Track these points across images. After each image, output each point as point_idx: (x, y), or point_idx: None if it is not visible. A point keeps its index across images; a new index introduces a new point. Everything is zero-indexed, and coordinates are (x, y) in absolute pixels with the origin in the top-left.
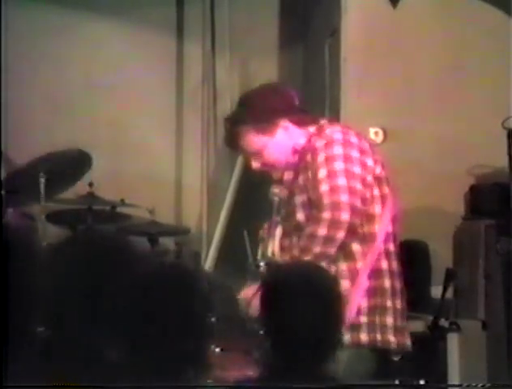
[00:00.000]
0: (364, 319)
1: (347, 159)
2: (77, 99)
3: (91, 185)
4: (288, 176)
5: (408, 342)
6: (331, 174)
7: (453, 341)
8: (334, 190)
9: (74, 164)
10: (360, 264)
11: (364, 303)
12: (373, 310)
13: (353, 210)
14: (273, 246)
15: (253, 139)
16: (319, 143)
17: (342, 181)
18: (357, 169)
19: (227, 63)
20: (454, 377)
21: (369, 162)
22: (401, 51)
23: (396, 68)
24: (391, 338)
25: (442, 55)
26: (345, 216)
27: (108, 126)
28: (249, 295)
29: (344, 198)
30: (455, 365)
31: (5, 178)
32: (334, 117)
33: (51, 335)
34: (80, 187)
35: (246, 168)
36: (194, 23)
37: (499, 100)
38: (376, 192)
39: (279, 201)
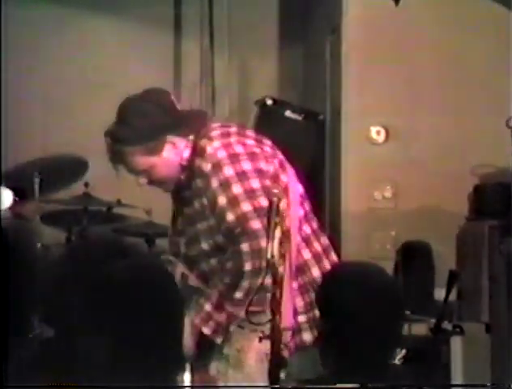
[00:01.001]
0: (302, 318)
1: (241, 178)
2: (74, 98)
3: (86, 185)
4: (180, 195)
5: None
6: (232, 200)
7: (456, 344)
8: (241, 218)
9: (69, 170)
10: (281, 268)
11: (299, 302)
12: (309, 306)
13: (267, 232)
14: (272, 248)
15: (140, 160)
16: (206, 167)
17: (246, 206)
18: (255, 184)
19: (225, 62)
20: (457, 380)
21: (262, 165)
22: (403, 49)
23: (398, 66)
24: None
25: (445, 53)
26: (264, 243)
27: (106, 125)
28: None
29: (256, 225)
30: (459, 369)
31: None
32: (334, 117)
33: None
34: (76, 187)
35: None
36: (193, 21)
37: (503, 99)
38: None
39: (278, 201)
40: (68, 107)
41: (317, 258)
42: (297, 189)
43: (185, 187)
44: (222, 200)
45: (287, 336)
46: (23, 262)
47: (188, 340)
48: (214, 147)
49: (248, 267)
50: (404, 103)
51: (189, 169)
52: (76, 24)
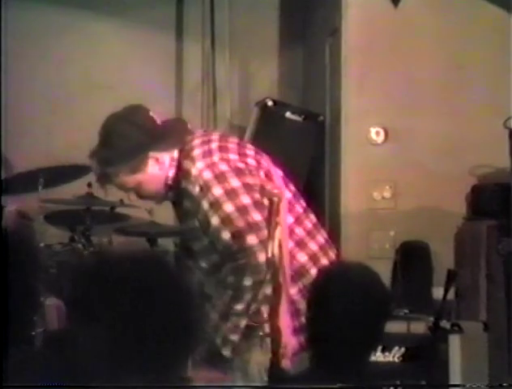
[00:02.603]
0: (302, 320)
1: (230, 196)
2: (76, 99)
3: (89, 185)
4: (175, 210)
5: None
6: (225, 219)
7: (454, 343)
8: (237, 234)
9: (71, 178)
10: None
11: (300, 305)
12: (297, 313)
13: (264, 245)
14: (272, 248)
15: (126, 179)
16: (193, 190)
17: (240, 222)
18: (246, 199)
19: (226, 63)
20: (455, 379)
21: (249, 180)
22: (402, 50)
23: (397, 67)
24: None
25: (444, 54)
26: (262, 258)
27: None
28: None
29: (253, 239)
30: (457, 367)
31: (4, 179)
32: (334, 118)
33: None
34: (79, 187)
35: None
36: (194, 22)
37: (501, 100)
38: (266, 202)
39: (278, 202)
40: (70, 108)
41: (314, 258)
42: (284, 195)
43: (176, 205)
44: (215, 220)
45: (286, 351)
46: (23, 260)
47: None
48: (198, 169)
49: (248, 282)
50: (403, 104)
51: (177, 190)
52: (78, 26)
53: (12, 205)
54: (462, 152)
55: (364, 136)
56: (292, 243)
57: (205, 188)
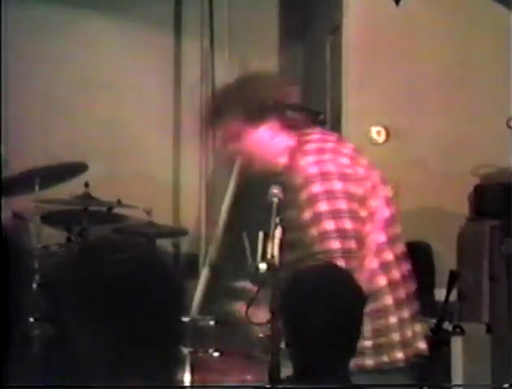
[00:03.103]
0: (368, 343)
1: (329, 196)
2: (74, 98)
3: (87, 185)
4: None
5: (422, 346)
6: (316, 217)
7: (457, 345)
8: (322, 235)
9: (69, 176)
10: None
11: (367, 327)
12: (377, 333)
13: (345, 256)
14: (272, 248)
15: (237, 123)
16: (296, 181)
17: (329, 224)
18: (342, 204)
19: (226, 61)
20: (457, 381)
21: (351, 188)
22: (403, 49)
23: (398, 66)
24: (399, 355)
25: (445, 53)
26: (340, 264)
27: (106, 125)
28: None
29: (335, 245)
30: (459, 369)
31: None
32: (334, 117)
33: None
34: (76, 187)
35: (246, 168)
36: (193, 21)
37: (503, 99)
38: (363, 213)
39: (278, 202)
40: (68, 107)
41: (392, 285)
42: (383, 214)
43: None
44: (307, 215)
45: None
46: (17, 262)
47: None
48: (307, 162)
49: (335, 245)
50: (405, 103)
51: (283, 178)
52: (76, 25)
53: (8, 207)
54: (464, 152)
55: (365, 135)
56: (377, 263)
57: (307, 182)
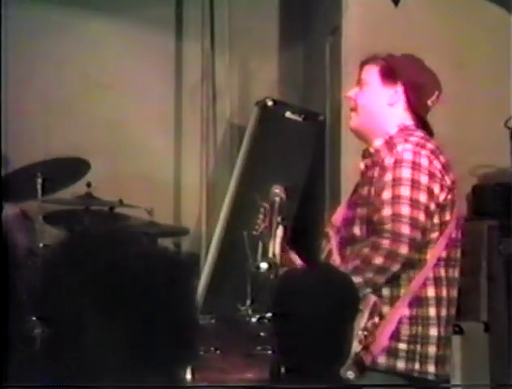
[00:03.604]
0: (402, 346)
1: (413, 184)
2: (75, 98)
3: (89, 185)
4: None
5: (448, 368)
6: (396, 199)
7: (455, 343)
8: (396, 218)
9: (71, 171)
10: (403, 291)
11: (404, 330)
12: (413, 338)
13: (412, 244)
14: (273, 248)
15: (372, 73)
16: (388, 161)
17: (405, 209)
18: (423, 197)
19: (226, 62)
20: (456, 379)
21: (436, 189)
22: (402, 50)
23: None
24: (430, 368)
25: (444, 54)
26: (404, 250)
27: (107, 125)
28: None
29: (406, 230)
30: (458, 367)
31: (3, 178)
32: (334, 117)
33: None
34: (78, 187)
35: (246, 168)
36: (194, 22)
37: (501, 100)
38: (436, 220)
39: (280, 201)
40: (69, 107)
41: (438, 301)
42: (452, 233)
43: (366, 168)
44: (387, 194)
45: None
46: (21, 261)
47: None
48: (404, 148)
49: (378, 261)
50: None
51: (374, 158)
52: (77, 25)
53: (12, 205)
54: (462, 152)
55: None
56: (432, 274)
57: (398, 164)
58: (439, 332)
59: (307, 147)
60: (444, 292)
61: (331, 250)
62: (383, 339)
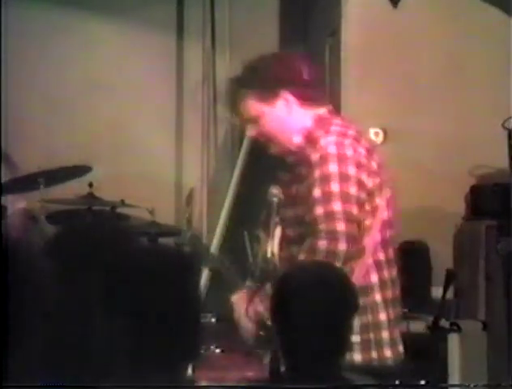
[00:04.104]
0: (356, 338)
1: (342, 178)
2: (77, 99)
3: (90, 185)
4: (282, 176)
5: (401, 350)
6: (326, 196)
7: (453, 342)
8: (329, 216)
9: (72, 177)
10: None
11: (355, 321)
12: (365, 328)
13: (350, 239)
14: (272, 247)
15: (252, 105)
16: (313, 157)
17: (337, 206)
18: (353, 189)
19: (227, 62)
20: (454, 377)
21: (364, 177)
22: (401, 51)
23: (396, 68)
24: (387, 353)
25: (443, 55)
26: (342, 247)
27: (108, 126)
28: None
29: (341, 226)
30: (456, 366)
31: (5, 181)
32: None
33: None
34: (80, 187)
35: (246, 168)
36: (194, 22)
37: (499, 101)
38: (367, 207)
39: (278, 201)
40: (71, 108)
41: (382, 284)
42: (383, 215)
43: (288, 170)
44: (317, 192)
45: None
46: (25, 263)
47: (249, 327)
48: (327, 141)
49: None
50: (402, 105)
51: (298, 155)
52: (78, 26)
53: (17, 204)
54: (461, 153)
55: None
56: (372, 260)
57: (324, 159)
58: (388, 316)
59: None
60: (386, 275)
61: (272, 251)
62: None
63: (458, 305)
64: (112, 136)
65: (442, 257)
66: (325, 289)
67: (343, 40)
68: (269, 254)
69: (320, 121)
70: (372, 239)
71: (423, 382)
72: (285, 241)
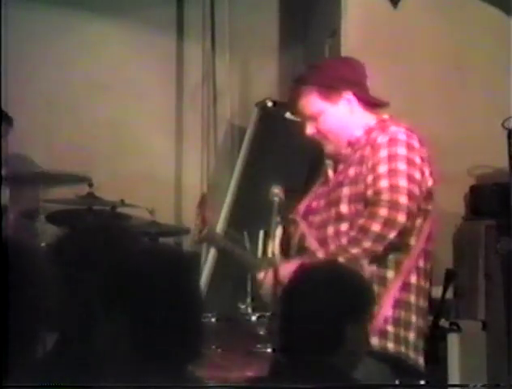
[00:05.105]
0: (390, 329)
1: (409, 162)
2: (77, 99)
3: (91, 185)
4: (340, 164)
5: (422, 362)
6: (393, 172)
7: (453, 341)
8: (394, 188)
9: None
10: (390, 273)
11: (390, 313)
12: (398, 322)
13: (409, 213)
14: (273, 247)
15: (314, 102)
16: (382, 139)
17: (403, 182)
18: (417, 175)
19: (227, 63)
20: (454, 377)
21: (426, 172)
22: (401, 51)
23: (396, 69)
24: (411, 354)
25: (442, 55)
26: (401, 218)
27: (109, 126)
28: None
29: (403, 199)
30: (455, 366)
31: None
32: None
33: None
34: (80, 187)
35: (246, 168)
36: (194, 23)
37: (499, 100)
38: (422, 205)
39: (279, 201)
40: (71, 108)
41: (418, 289)
42: (431, 224)
43: (343, 159)
44: (383, 168)
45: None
46: (26, 264)
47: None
48: (399, 129)
49: (376, 228)
50: (402, 105)
51: (360, 143)
52: (78, 26)
53: (15, 205)
54: (460, 152)
55: None
56: (414, 262)
57: (393, 142)
58: (417, 321)
59: (306, 148)
60: (422, 282)
61: (303, 234)
62: (377, 322)
63: (457, 305)
64: (112, 136)
65: (442, 257)
66: (338, 287)
67: (343, 40)
68: (270, 254)
69: (383, 122)
70: (420, 241)
71: (423, 382)
72: (329, 221)
